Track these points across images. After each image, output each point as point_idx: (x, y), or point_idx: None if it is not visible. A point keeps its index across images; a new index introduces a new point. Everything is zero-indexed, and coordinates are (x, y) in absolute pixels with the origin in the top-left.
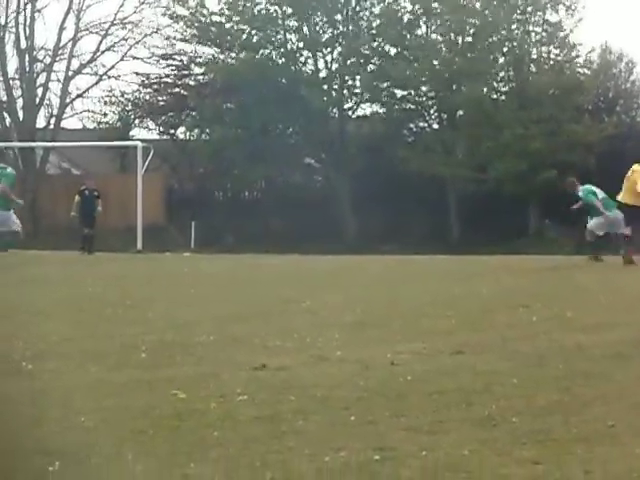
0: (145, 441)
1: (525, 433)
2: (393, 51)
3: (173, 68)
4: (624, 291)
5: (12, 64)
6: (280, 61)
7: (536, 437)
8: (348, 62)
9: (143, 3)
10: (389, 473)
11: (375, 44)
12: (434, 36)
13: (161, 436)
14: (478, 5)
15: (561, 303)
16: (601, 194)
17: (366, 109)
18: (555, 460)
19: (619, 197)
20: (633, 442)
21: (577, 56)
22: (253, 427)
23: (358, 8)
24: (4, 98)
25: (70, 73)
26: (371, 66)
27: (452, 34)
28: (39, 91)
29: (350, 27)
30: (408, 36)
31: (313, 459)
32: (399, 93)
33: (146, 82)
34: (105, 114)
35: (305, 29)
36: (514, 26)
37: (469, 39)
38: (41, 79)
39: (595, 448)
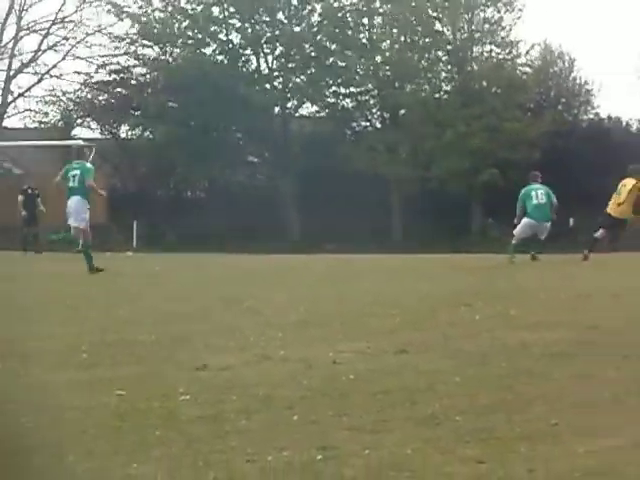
0: (87, 441)
1: (468, 432)
2: (335, 50)
3: (115, 67)
4: (565, 290)
5: None
6: (222, 60)
7: (479, 435)
8: (290, 61)
9: (84, 2)
10: (332, 472)
11: (317, 43)
12: (376, 35)
13: (103, 436)
14: (421, 3)
15: (504, 301)
16: (543, 199)
17: (309, 108)
18: (498, 458)
19: (616, 214)
20: (575, 441)
21: (518, 54)
22: (196, 427)
23: (300, 7)
24: None
25: (12, 72)
26: (313, 65)
27: (395, 33)
28: None
29: (292, 26)
30: (350, 34)
31: (256, 459)
32: (342, 92)
33: (88, 81)
34: (47, 113)
35: (247, 28)
36: (458, 24)
37: (411, 38)
38: None
39: (538, 447)
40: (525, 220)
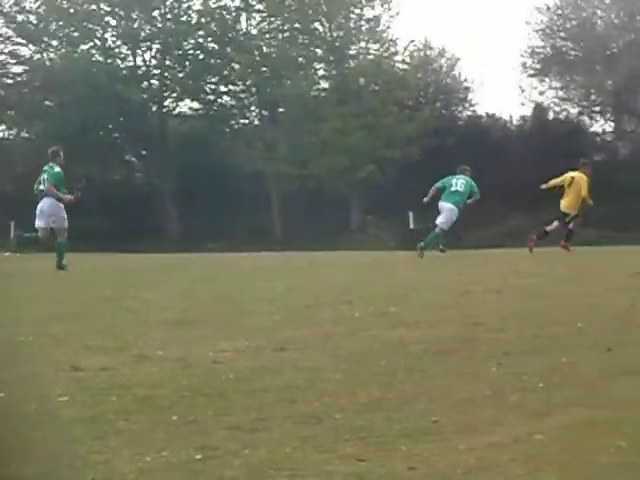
0: None
1: (348, 430)
2: (214, 46)
3: None
4: (447, 286)
5: None
6: (99, 58)
7: (359, 434)
8: (167, 58)
9: None
10: (211, 472)
11: (196, 39)
12: (254, 32)
13: None
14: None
15: (384, 299)
16: (454, 187)
17: (187, 105)
18: (379, 457)
19: (563, 206)
20: (456, 438)
21: (396, 52)
22: (74, 428)
23: (177, 4)
24: None
25: None
26: (192, 62)
27: (272, 30)
28: None
29: (169, 23)
30: (229, 31)
31: (135, 459)
32: (220, 89)
33: None
34: None
35: (123, 25)
36: (336, 21)
37: (290, 35)
38: None
39: (418, 444)
40: (439, 204)
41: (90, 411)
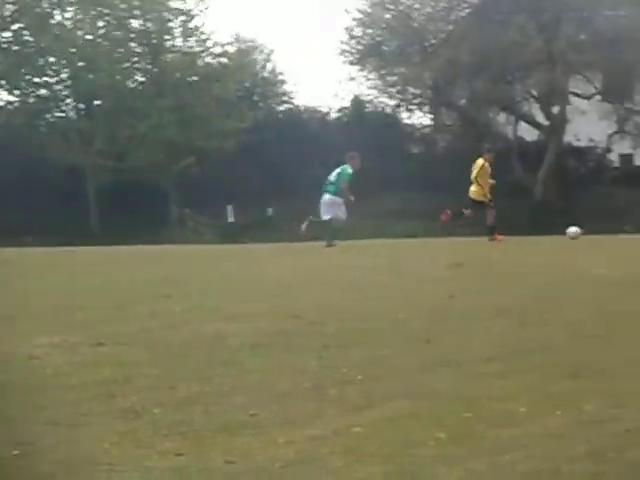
0: None
1: (167, 424)
2: (29, 39)
3: None
4: (264, 280)
5: None
6: None
7: (178, 428)
8: None
9: None
10: (28, 468)
11: (12, 32)
12: (70, 24)
13: None
14: None
15: (203, 292)
16: (332, 178)
17: (2, 99)
18: (197, 451)
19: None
20: (275, 431)
21: (213, 45)
22: None
23: None
24: None
25: None
26: (7, 54)
27: (88, 22)
28: None
29: None
30: (44, 24)
31: None
32: (35, 82)
33: None
34: None
35: None
36: (150, 15)
37: (105, 28)
38: None
39: (237, 438)
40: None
41: None
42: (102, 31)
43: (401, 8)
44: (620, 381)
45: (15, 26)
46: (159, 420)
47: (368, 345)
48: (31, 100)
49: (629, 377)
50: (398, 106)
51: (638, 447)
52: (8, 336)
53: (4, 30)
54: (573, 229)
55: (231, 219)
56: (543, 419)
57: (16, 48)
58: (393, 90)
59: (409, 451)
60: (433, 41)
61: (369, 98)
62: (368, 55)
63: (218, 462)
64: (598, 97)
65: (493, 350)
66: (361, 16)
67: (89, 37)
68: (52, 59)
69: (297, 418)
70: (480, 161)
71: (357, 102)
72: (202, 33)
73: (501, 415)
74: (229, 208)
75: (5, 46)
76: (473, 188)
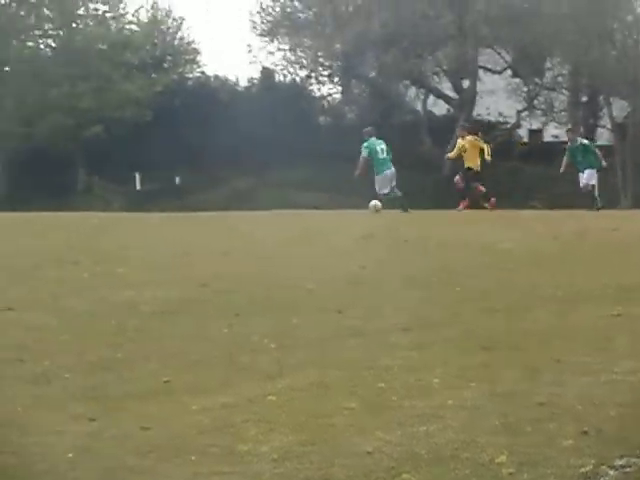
0: None
1: (79, 389)
2: None
3: None
4: (171, 248)
5: None
6: None
7: (90, 393)
8: None
9: None
10: None
11: None
12: None
13: None
14: None
15: (111, 260)
16: (384, 155)
17: None
18: (111, 416)
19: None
20: (189, 399)
21: (125, 12)
22: None
23: None
24: None
25: None
26: None
27: None
28: None
29: None
30: None
31: None
32: None
33: None
34: None
35: None
36: None
37: None
38: None
39: (151, 405)
40: (377, 177)
41: None
42: None
43: None
44: (532, 354)
45: None
46: (71, 385)
47: (279, 314)
48: None
49: (540, 351)
50: (308, 77)
51: (552, 420)
52: None
53: None
54: (373, 202)
55: (139, 187)
56: (458, 391)
57: None
58: (304, 61)
59: (323, 420)
60: (343, 12)
61: (279, 69)
62: (280, 25)
63: (133, 428)
64: (509, 72)
65: (404, 321)
66: None
67: (0, 1)
68: None
69: (210, 386)
70: (470, 138)
71: (267, 72)
72: (118, 1)
73: (415, 386)
74: (137, 176)
75: None
76: (477, 162)
